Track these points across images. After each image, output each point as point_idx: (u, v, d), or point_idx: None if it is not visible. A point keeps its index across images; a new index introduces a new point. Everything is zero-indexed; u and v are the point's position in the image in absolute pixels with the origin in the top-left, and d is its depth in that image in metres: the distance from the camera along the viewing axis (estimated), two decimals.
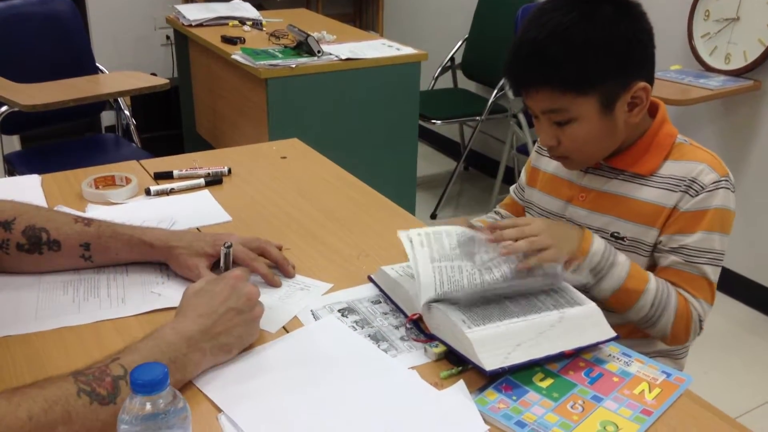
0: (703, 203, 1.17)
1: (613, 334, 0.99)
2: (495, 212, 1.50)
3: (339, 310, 1.08)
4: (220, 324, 0.93)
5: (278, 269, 1.17)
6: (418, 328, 1.03)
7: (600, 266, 1.15)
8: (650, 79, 1.17)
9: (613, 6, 1.13)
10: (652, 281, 1.17)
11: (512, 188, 1.49)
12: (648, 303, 1.16)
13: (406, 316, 1.05)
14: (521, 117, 3.12)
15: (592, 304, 1.01)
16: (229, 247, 1.09)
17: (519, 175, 1.47)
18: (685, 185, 1.18)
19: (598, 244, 1.16)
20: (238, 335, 0.95)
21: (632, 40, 1.14)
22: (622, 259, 1.16)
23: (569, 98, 1.13)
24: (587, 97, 1.13)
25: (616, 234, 1.23)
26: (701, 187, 1.17)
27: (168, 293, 1.10)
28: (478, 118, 3.47)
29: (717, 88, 2.55)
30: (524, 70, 1.17)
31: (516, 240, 1.05)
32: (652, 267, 1.23)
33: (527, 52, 1.15)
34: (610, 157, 1.24)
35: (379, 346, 0.99)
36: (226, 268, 1.09)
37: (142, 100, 3.24)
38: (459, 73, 3.89)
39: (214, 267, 1.15)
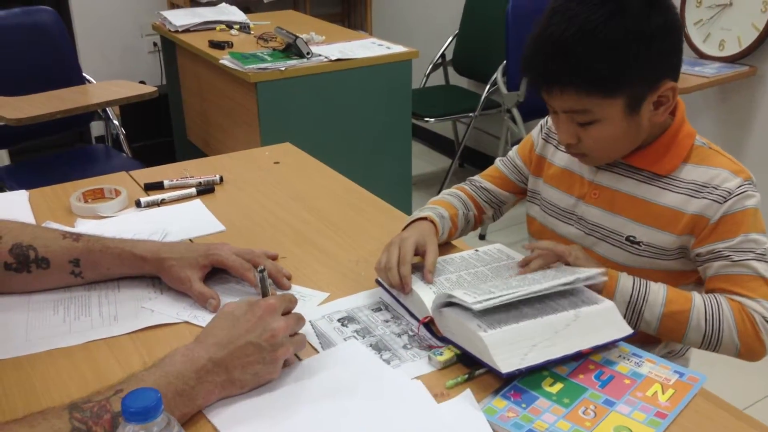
0: (734, 206, 1.11)
1: (630, 330, 0.96)
2: (470, 182, 1.45)
3: (338, 320, 1.05)
4: (236, 358, 0.86)
5: (273, 281, 1.13)
6: (430, 331, 1.01)
7: (634, 298, 1.09)
8: (677, 75, 1.12)
9: None
10: (697, 297, 1.11)
11: (499, 161, 1.43)
12: (701, 319, 1.09)
13: (417, 319, 1.03)
14: (515, 112, 3.08)
15: (608, 302, 0.99)
16: (262, 271, 0.98)
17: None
18: (708, 192, 1.12)
19: (624, 279, 1.10)
20: (253, 373, 0.87)
21: (663, 35, 1.07)
22: (656, 287, 1.11)
23: (595, 100, 1.08)
24: (614, 99, 1.08)
25: (631, 238, 1.18)
26: (728, 192, 1.11)
27: (161, 308, 1.07)
28: (471, 114, 3.43)
29: (713, 75, 2.53)
30: (549, 68, 1.09)
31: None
32: (677, 272, 1.17)
33: (552, 49, 1.07)
34: (629, 154, 1.18)
35: (381, 355, 0.96)
36: (264, 294, 0.98)
37: (131, 109, 3.19)
38: (450, 70, 3.86)
39: (207, 279, 1.11)
